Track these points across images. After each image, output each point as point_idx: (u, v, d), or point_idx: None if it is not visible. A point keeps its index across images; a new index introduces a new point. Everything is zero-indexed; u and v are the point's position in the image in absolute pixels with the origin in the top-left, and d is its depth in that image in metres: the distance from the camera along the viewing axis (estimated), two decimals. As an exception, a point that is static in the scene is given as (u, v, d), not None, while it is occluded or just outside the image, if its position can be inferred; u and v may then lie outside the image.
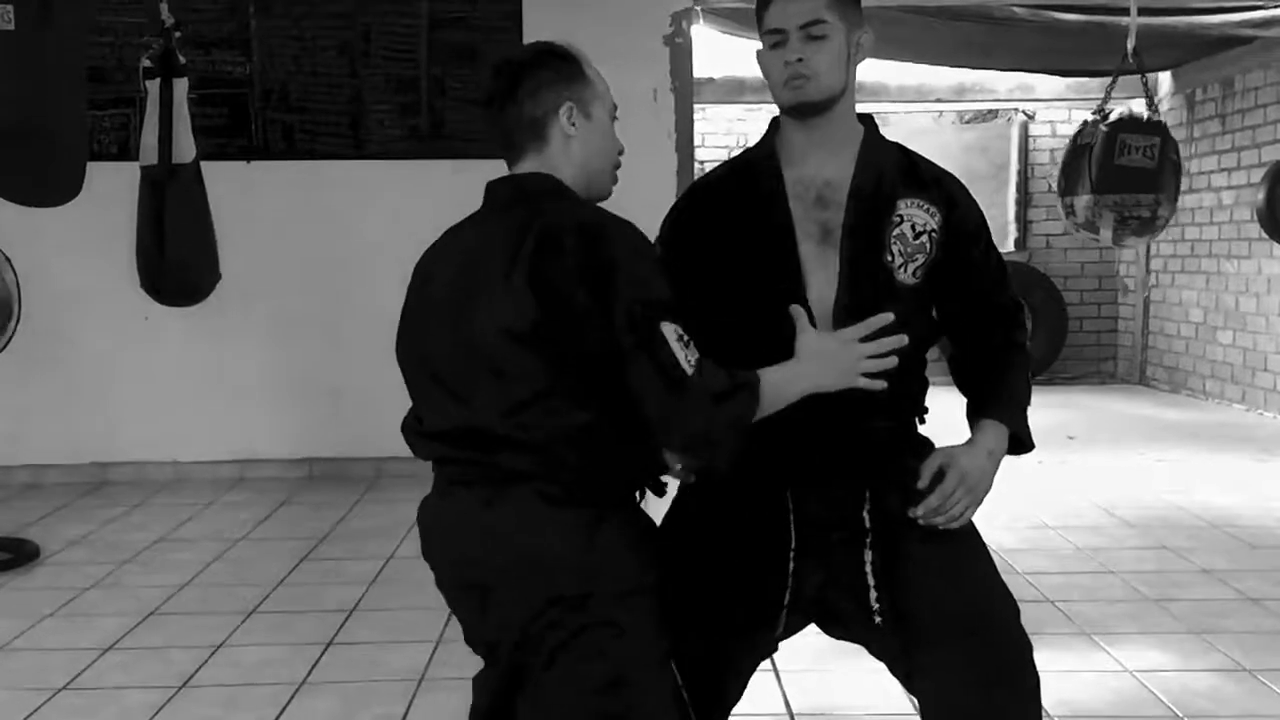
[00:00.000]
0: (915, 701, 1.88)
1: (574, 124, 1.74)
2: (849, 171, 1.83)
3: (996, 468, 1.86)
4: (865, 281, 1.81)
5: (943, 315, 1.95)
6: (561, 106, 1.73)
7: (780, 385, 1.65)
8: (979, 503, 1.82)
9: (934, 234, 1.84)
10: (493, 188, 1.76)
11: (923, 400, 1.94)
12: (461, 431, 1.66)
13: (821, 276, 1.82)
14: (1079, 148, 5.59)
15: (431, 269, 1.77)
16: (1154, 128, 5.40)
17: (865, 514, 1.81)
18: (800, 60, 1.75)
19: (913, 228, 1.83)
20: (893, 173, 1.86)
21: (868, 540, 1.80)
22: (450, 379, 1.68)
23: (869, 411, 1.82)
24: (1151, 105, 5.48)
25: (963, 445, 1.85)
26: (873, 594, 1.79)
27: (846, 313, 1.79)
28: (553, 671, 1.61)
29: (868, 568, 1.79)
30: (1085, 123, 5.53)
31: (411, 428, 1.78)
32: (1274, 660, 3.13)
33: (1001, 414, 1.88)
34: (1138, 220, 5.38)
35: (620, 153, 1.84)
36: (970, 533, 1.86)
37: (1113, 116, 5.53)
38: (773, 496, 1.81)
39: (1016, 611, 1.82)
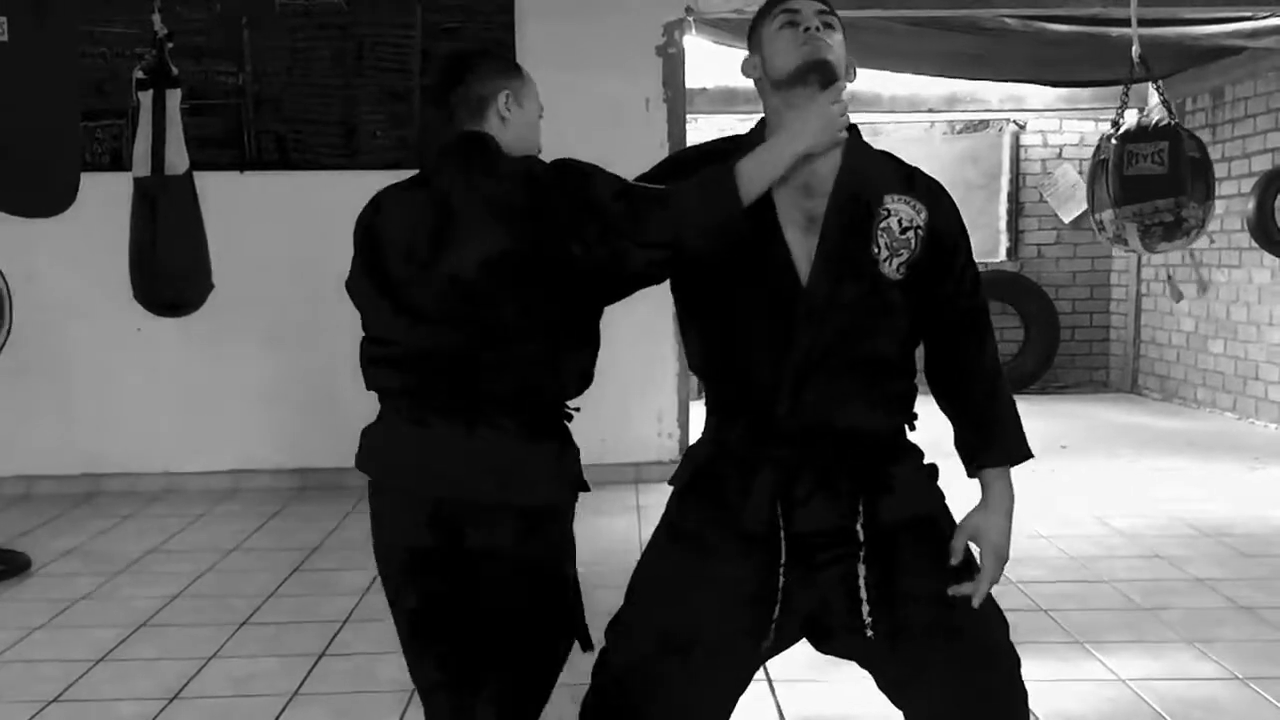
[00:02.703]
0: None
1: (509, 109, 2.01)
2: (835, 164, 1.85)
3: (1012, 519, 1.89)
4: (847, 270, 1.81)
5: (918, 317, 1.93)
6: (500, 92, 2.01)
7: (768, 152, 1.80)
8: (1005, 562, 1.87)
9: (919, 231, 1.84)
10: (441, 148, 2.03)
11: (912, 404, 1.92)
12: (445, 358, 1.87)
13: (805, 265, 1.82)
14: (1098, 163, 5.61)
15: (385, 221, 2.02)
16: (1161, 133, 5.41)
17: (859, 527, 1.80)
18: (818, 30, 1.81)
19: (899, 222, 1.84)
20: (880, 169, 1.89)
21: (861, 555, 1.79)
22: (433, 314, 1.88)
23: (859, 416, 1.82)
24: (1170, 110, 5.46)
25: (982, 510, 1.87)
26: (865, 608, 1.78)
27: (827, 302, 1.79)
28: (526, 562, 1.90)
29: (860, 582, 1.78)
30: (1102, 137, 5.55)
31: (377, 356, 1.98)
32: (1267, 668, 3.14)
33: (1004, 456, 1.89)
34: (1162, 226, 5.38)
35: (538, 151, 2.09)
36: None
37: (1122, 128, 5.55)
38: (763, 512, 1.80)
39: (1004, 623, 1.85)
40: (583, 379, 1.96)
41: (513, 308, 1.86)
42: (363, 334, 2.03)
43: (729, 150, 1.88)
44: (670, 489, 1.95)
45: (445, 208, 1.92)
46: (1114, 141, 5.51)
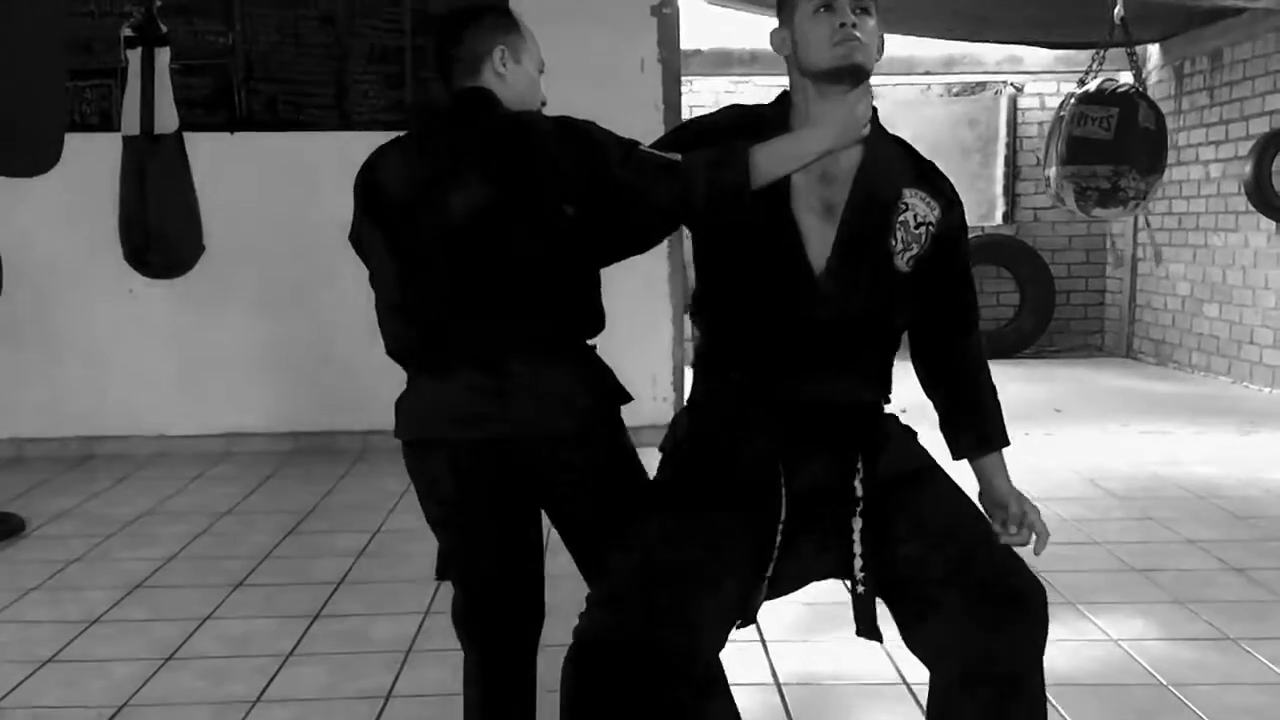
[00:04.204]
0: (901, 667, 1.88)
1: (505, 65, 2.02)
2: (855, 153, 1.85)
3: None
4: (865, 260, 1.84)
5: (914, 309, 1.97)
6: (495, 48, 2.02)
7: (791, 145, 1.79)
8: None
9: (930, 227, 1.88)
10: (437, 111, 2.07)
11: (892, 378, 1.99)
12: (449, 304, 1.90)
13: (819, 251, 1.83)
14: (1056, 120, 5.61)
15: (382, 175, 2.00)
16: (1115, 98, 5.39)
17: (857, 483, 1.81)
18: (855, 24, 1.78)
19: (914, 217, 1.87)
20: (899, 161, 1.91)
21: (858, 509, 1.80)
22: (432, 262, 1.90)
23: (855, 386, 1.88)
24: (1138, 77, 5.46)
25: (1003, 481, 1.95)
26: (857, 563, 1.78)
27: (840, 289, 1.82)
28: (588, 479, 1.97)
29: (855, 535, 1.79)
30: (1067, 94, 5.54)
31: (389, 306, 1.97)
32: (1257, 628, 3.16)
33: (1001, 443, 1.99)
34: (1097, 191, 5.39)
35: (543, 104, 2.10)
36: (952, 486, 1.89)
37: (1082, 89, 5.53)
38: (764, 467, 1.80)
39: (1010, 554, 1.86)
40: (590, 316, 1.98)
41: (505, 255, 1.87)
42: (374, 294, 2.04)
43: (748, 126, 1.89)
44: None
45: (439, 158, 1.94)
46: (1072, 100, 5.49)
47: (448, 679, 2.83)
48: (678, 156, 1.82)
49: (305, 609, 3.41)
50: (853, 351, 1.89)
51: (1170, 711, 2.65)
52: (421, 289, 1.93)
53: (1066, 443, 5.67)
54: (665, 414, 5.78)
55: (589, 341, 2.02)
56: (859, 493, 1.80)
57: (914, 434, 1.96)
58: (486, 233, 1.88)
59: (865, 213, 1.83)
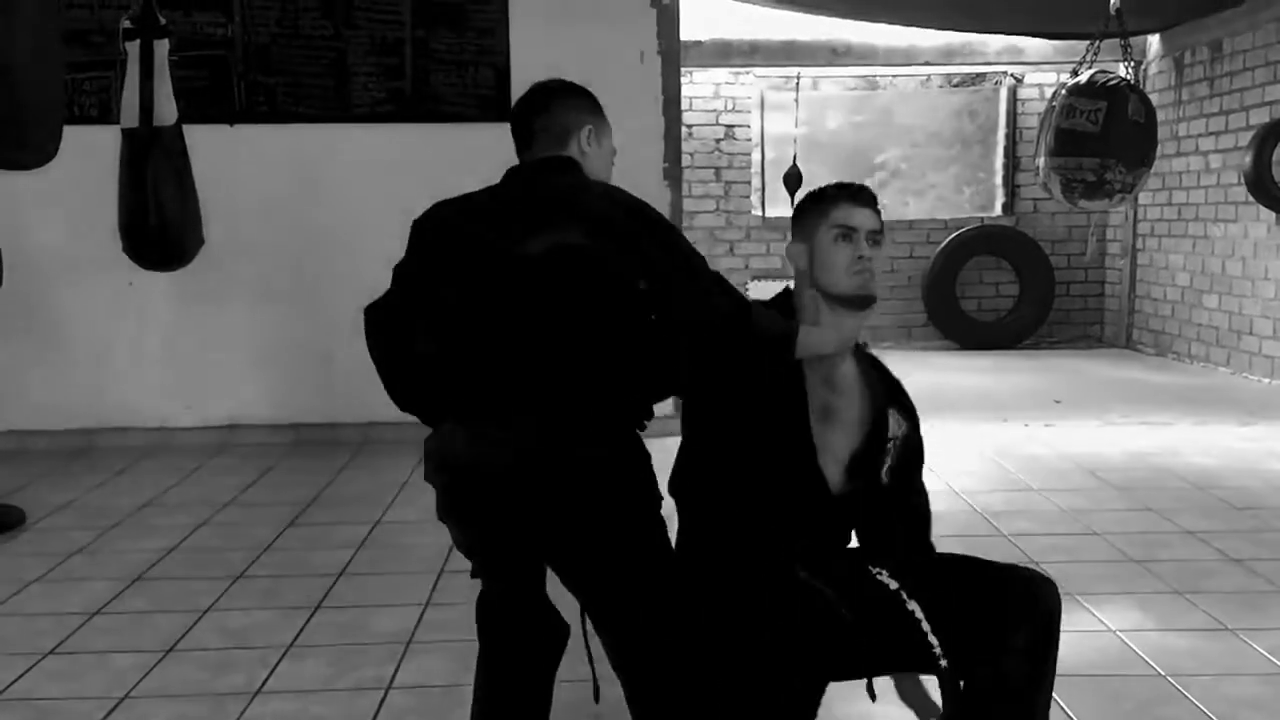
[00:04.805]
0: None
1: (590, 143, 2.11)
2: (852, 366, 2.07)
3: None
4: (865, 472, 2.04)
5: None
6: (584, 126, 2.11)
7: (811, 335, 1.97)
8: None
9: (897, 441, 2.08)
10: (520, 168, 2.11)
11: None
12: (493, 351, 1.89)
13: (823, 453, 1.99)
14: (1047, 110, 5.61)
15: (451, 213, 2.01)
16: (1103, 91, 5.40)
17: (885, 578, 1.96)
18: (870, 257, 2.01)
19: (893, 433, 2.07)
20: (881, 377, 2.12)
21: (905, 595, 1.91)
22: (485, 306, 1.90)
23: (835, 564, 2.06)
24: (1132, 69, 5.46)
25: None
26: (931, 639, 1.88)
27: (842, 496, 2.01)
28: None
29: (919, 615, 1.89)
30: (1058, 86, 5.55)
31: (420, 356, 1.94)
32: (1256, 619, 3.16)
33: None
34: (1083, 184, 5.41)
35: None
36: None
37: (1073, 81, 5.53)
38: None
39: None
40: (632, 399, 1.97)
41: (569, 304, 1.87)
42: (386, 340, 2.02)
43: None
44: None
45: (521, 202, 1.98)
46: (1063, 92, 5.50)
47: (448, 669, 2.84)
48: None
49: (305, 600, 3.42)
50: (835, 542, 2.10)
51: (1168, 702, 2.66)
52: (473, 334, 1.90)
53: (1066, 433, 5.68)
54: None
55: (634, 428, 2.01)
56: (893, 586, 1.94)
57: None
58: (565, 273, 1.86)
59: (872, 430, 2.03)
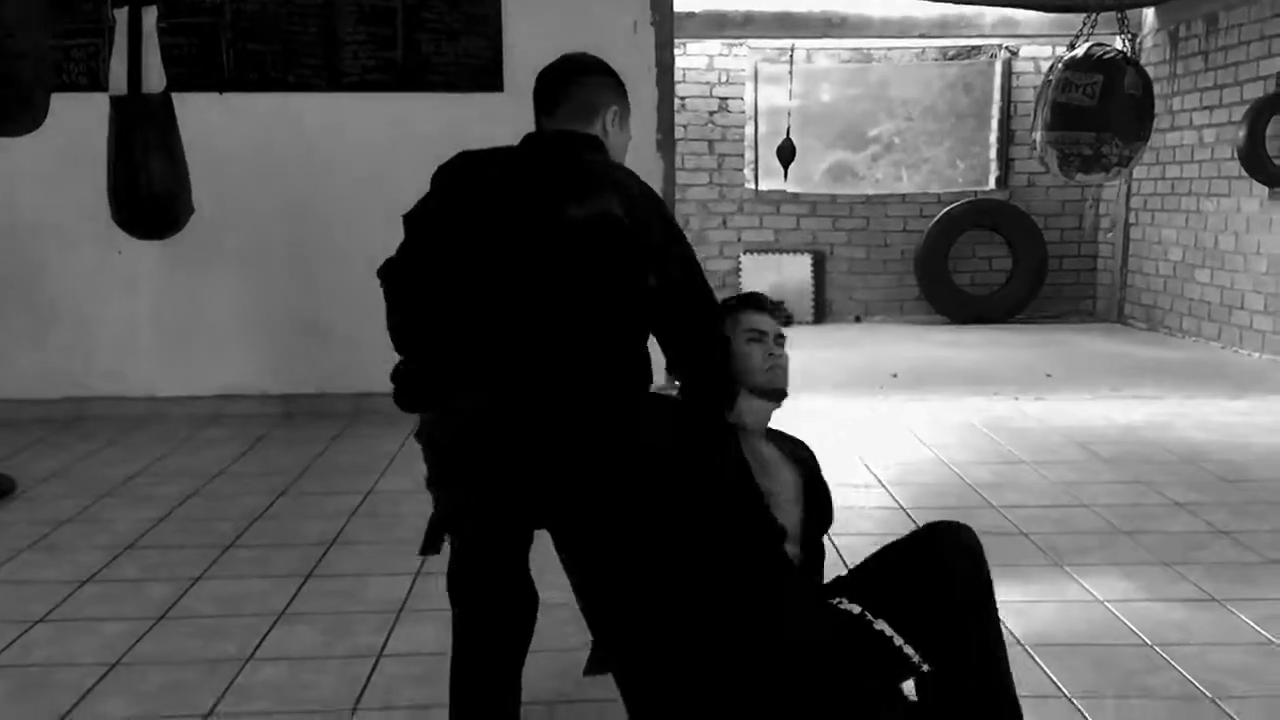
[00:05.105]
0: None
1: (613, 124, 2.14)
2: (775, 450, 2.26)
3: None
4: (815, 539, 2.25)
5: None
6: (610, 107, 2.14)
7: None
8: None
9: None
10: (543, 134, 2.13)
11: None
12: (509, 317, 1.95)
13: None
14: (1044, 84, 5.60)
15: (479, 168, 2.02)
16: (1100, 65, 5.39)
17: (846, 605, 2.03)
18: (780, 354, 2.24)
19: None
20: (788, 447, 2.30)
21: (870, 616, 2.00)
22: (509, 268, 1.95)
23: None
24: (1128, 42, 5.44)
25: None
26: (907, 650, 1.97)
27: (799, 563, 2.18)
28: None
29: (890, 632, 1.97)
30: (1055, 59, 5.54)
31: (429, 317, 1.98)
32: (1243, 590, 3.18)
33: None
34: (1079, 158, 5.41)
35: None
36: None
37: (1070, 54, 5.52)
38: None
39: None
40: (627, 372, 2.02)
41: (605, 268, 1.93)
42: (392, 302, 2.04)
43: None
44: None
45: (559, 168, 2.01)
46: (1059, 66, 5.49)
47: (439, 638, 2.85)
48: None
49: (297, 569, 3.42)
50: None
51: (1155, 671, 2.68)
52: (499, 289, 1.93)
53: (1057, 407, 5.69)
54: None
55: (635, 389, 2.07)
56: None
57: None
58: (604, 239, 1.92)
59: (811, 505, 2.24)
